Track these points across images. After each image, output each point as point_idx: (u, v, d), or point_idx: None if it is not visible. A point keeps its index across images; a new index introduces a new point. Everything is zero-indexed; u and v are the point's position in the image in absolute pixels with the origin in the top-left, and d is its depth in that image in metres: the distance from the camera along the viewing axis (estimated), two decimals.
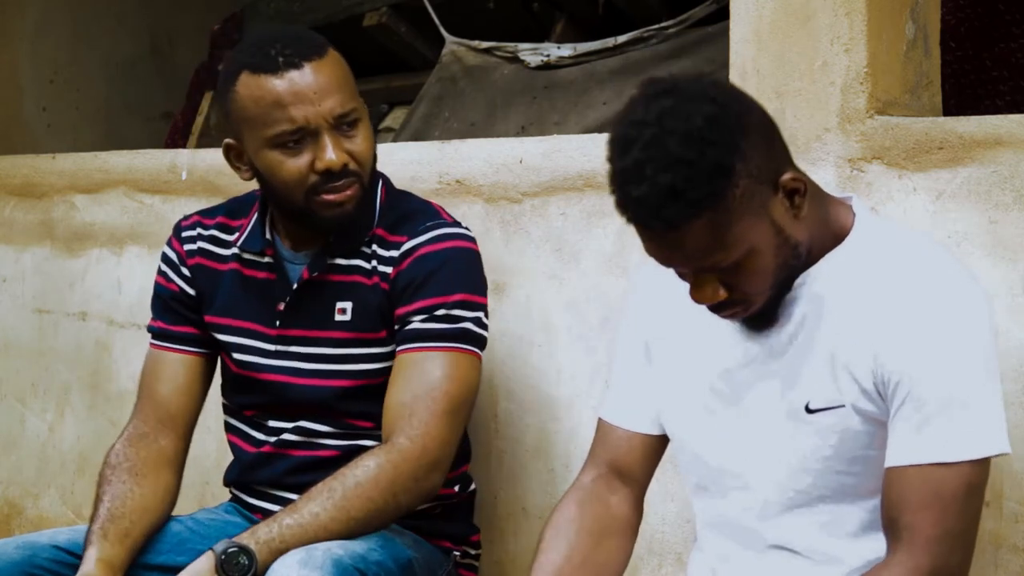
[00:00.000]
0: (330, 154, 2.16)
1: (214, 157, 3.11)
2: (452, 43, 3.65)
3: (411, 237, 2.24)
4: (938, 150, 2.12)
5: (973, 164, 2.09)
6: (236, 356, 2.34)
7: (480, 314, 2.25)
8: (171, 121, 4.44)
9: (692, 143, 1.62)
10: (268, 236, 2.31)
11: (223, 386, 2.42)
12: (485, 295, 2.28)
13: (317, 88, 2.15)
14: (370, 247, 2.26)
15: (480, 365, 2.26)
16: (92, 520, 2.20)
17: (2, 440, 3.50)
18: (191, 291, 2.37)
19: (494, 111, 3.49)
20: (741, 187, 1.65)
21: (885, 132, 2.17)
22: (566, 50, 3.45)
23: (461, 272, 2.24)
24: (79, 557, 2.16)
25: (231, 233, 2.36)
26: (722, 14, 2.89)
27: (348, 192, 2.19)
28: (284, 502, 2.23)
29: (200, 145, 4.15)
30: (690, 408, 1.90)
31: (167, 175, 3.18)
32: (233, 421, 2.41)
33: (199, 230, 2.39)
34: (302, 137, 2.16)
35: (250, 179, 2.27)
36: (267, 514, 2.22)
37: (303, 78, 2.15)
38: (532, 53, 3.49)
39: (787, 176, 1.70)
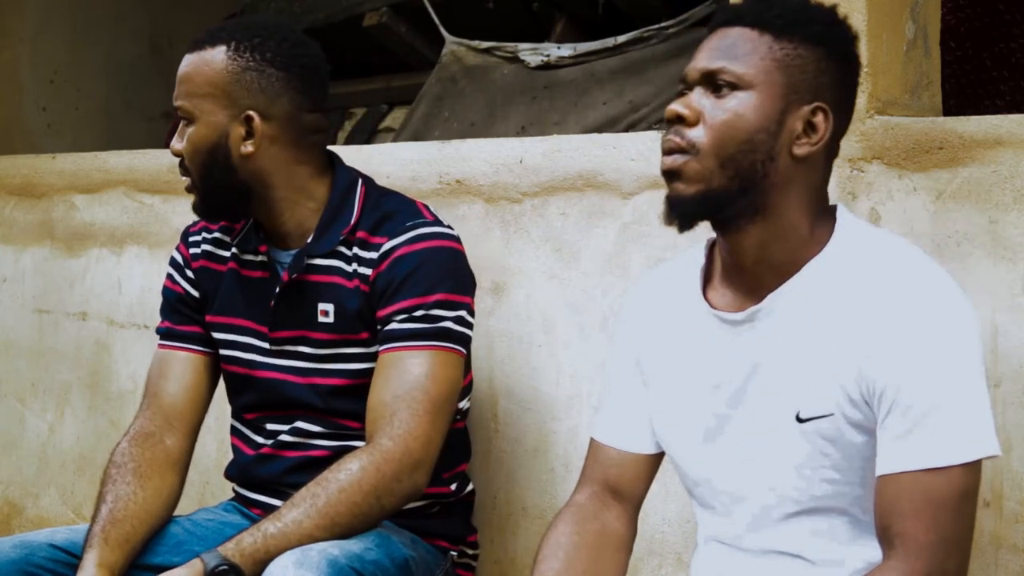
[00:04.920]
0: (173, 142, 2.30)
1: None
2: (452, 43, 3.65)
3: (390, 238, 2.24)
4: (938, 150, 2.12)
5: (973, 164, 2.09)
6: (234, 354, 2.35)
7: (462, 312, 2.24)
8: (171, 121, 4.43)
9: (816, 9, 1.82)
10: (260, 235, 2.33)
11: (227, 390, 2.43)
12: (468, 293, 2.28)
13: (181, 77, 2.26)
14: (351, 249, 2.27)
15: (462, 363, 2.26)
16: (93, 521, 2.20)
17: (2, 440, 3.50)
18: (196, 293, 2.40)
19: (494, 111, 3.48)
20: (814, 70, 1.76)
21: (885, 132, 2.17)
22: (566, 50, 3.45)
23: (440, 272, 2.23)
24: (76, 556, 2.17)
25: (230, 234, 2.39)
26: None
27: (187, 184, 2.31)
28: (284, 497, 2.25)
29: None
30: (685, 432, 1.89)
31: (167, 175, 3.17)
32: (236, 424, 2.42)
33: (203, 234, 2.42)
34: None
35: None
36: (267, 509, 2.24)
37: (181, 65, 2.28)
38: (532, 53, 3.49)
39: (820, 116, 1.77)
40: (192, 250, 2.41)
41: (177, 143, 2.27)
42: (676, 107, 1.78)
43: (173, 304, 2.42)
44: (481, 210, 2.64)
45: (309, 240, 2.27)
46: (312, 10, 4.06)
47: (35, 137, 4.21)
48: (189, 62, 2.26)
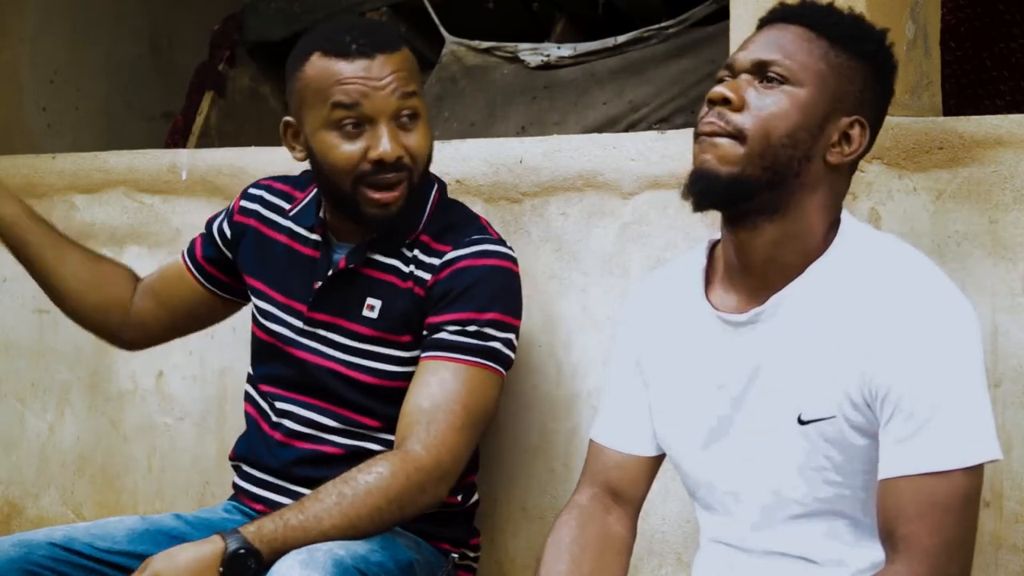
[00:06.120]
0: (385, 144, 2.17)
1: (214, 157, 3.11)
2: (452, 43, 3.65)
3: (455, 248, 2.24)
4: (938, 150, 2.12)
5: (973, 164, 2.09)
6: (267, 324, 2.36)
7: (511, 336, 2.24)
8: (171, 121, 4.43)
9: (871, 27, 1.86)
10: (321, 215, 2.33)
11: (252, 355, 2.44)
12: (519, 317, 2.27)
13: (382, 77, 2.18)
14: (412, 251, 2.26)
15: (502, 384, 2.25)
16: None
17: (2, 440, 3.50)
18: (220, 241, 2.46)
19: (494, 111, 3.49)
20: (861, 85, 1.78)
21: (885, 132, 2.17)
22: (566, 50, 3.45)
23: (499, 291, 2.23)
24: (76, 554, 2.17)
25: (290, 202, 2.40)
26: (722, 14, 2.89)
27: (395, 192, 2.20)
28: (286, 493, 2.26)
29: (200, 145, 4.14)
30: (686, 434, 1.89)
31: (167, 175, 3.17)
32: (251, 391, 2.42)
33: (263, 192, 2.44)
34: (360, 123, 2.18)
35: (303, 159, 2.29)
36: (271, 507, 2.24)
37: (371, 66, 2.18)
38: (532, 53, 3.49)
39: (857, 129, 1.78)
40: (243, 202, 2.44)
41: (411, 140, 2.21)
42: (723, 90, 1.76)
43: (204, 235, 2.51)
44: (481, 210, 2.64)
45: (374, 234, 2.27)
46: (312, 10, 4.06)
47: (35, 137, 4.20)
48: (396, 61, 2.20)
